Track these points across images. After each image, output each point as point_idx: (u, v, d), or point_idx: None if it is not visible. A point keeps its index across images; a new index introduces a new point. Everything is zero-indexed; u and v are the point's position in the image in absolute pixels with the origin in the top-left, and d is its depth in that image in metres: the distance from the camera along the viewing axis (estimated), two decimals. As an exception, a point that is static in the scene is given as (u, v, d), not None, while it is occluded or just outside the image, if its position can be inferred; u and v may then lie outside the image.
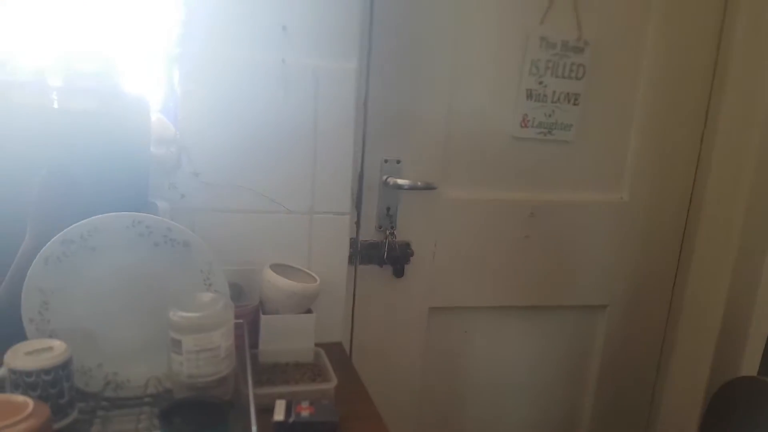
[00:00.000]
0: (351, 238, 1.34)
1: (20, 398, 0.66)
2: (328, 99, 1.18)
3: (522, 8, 1.37)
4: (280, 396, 0.89)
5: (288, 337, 1.10)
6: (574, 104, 1.45)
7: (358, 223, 1.37)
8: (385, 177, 1.35)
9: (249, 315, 1.08)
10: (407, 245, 1.41)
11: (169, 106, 1.16)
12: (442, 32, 1.33)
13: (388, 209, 1.38)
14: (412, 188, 1.34)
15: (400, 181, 1.33)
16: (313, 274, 1.18)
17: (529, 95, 1.42)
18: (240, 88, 1.14)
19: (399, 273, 1.42)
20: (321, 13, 1.15)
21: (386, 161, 1.35)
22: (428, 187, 1.35)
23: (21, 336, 0.83)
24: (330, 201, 1.23)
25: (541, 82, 1.42)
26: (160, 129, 1.12)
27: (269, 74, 1.14)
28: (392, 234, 1.39)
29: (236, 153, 1.17)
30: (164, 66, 1.14)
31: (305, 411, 0.85)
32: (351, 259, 1.36)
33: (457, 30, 1.34)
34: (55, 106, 1.01)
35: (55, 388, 0.75)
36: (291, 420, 0.83)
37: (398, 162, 1.36)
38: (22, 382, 0.73)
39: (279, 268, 1.14)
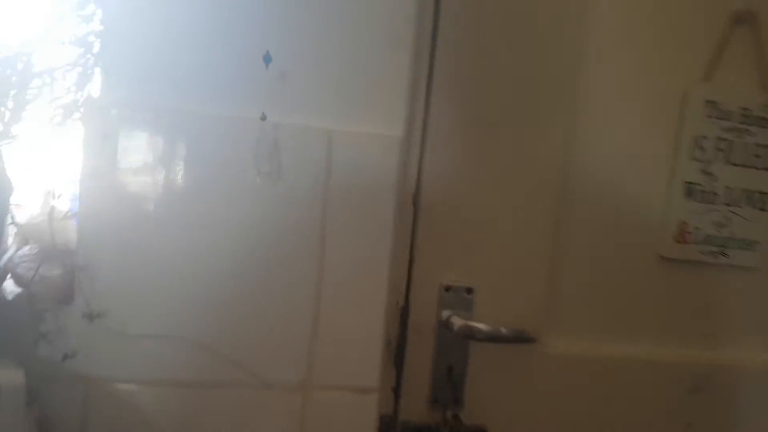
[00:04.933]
0: (383, 417, 0.78)
1: None
2: (348, 184, 0.68)
3: (676, 54, 0.86)
4: None
5: None
6: (762, 209, 0.89)
7: (396, 393, 0.81)
8: (446, 315, 0.80)
9: None
10: (482, 432, 0.83)
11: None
12: (550, 87, 0.82)
13: (450, 370, 0.82)
14: (493, 338, 0.78)
15: (473, 325, 0.77)
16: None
17: (690, 192, 0.87)
18: (187, 162, 0.67)
19: (467, 484, 0.82)
20: (337, 46, 0.69)
21: (448, 289, 0.81)
22: (521, 338, 0.78)
23: None
24: (343, 364, 0.70)
25: (707, 172, 0.87)
26: (34, 233, 0.63)
27: (241, 139, 0.66)
28: (456, 414, 0.81)
29: (174, 278, 0.66)
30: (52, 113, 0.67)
31: None
32: (381, 459, 0.79)
33: (575, 83, 0.82)
34: None
35: None
36: None
37: (469, 291, 0.81)
38: None
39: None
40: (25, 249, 0.69)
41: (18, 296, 0.65)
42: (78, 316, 0.65)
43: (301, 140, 0.67)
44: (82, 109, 0.68)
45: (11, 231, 0.70)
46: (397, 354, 0.81)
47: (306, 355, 0.70)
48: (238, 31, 0.66)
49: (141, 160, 0.66)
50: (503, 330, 0.78)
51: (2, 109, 0.68)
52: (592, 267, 0.86)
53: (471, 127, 0.80)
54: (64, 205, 0.73)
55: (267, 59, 0.63)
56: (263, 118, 0.64)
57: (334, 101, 0.69)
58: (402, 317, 0.81)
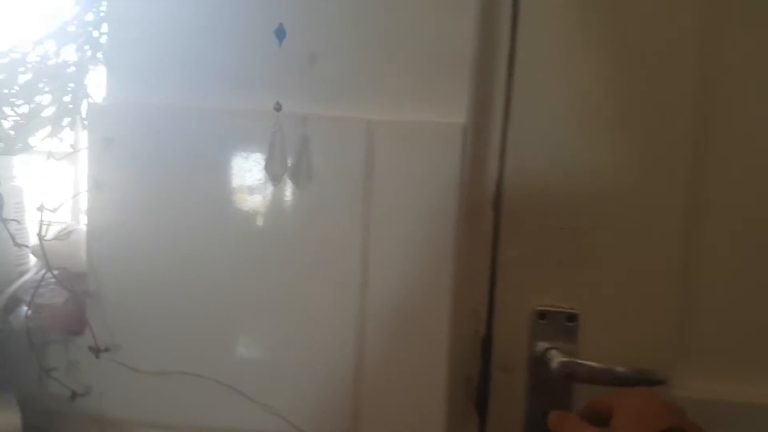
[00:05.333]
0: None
1: None
2: (395, 186, 0.54)
3: None
4: None
5: None
6: None
7: (479, 444, 0.65)
8: (541, 349, 0.63)
9: None
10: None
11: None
12: (675, 59, 0.61)
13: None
14: (605, 379, 0.60)
15: (578, 363, 0.59)
16: None
17: None
18: (201, 167, 0.56)
19: None
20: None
21: (544, 315, 0.63)
22: (646, 379, 0.59)
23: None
24: (398, 411, 0.56)
25: None
26: (39, 254, 0.53)
27: (262, 137, 0.53)
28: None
29: (193, 304, 0.55)
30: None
31: None
32: None
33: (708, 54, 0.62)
34: None
35: None
36: None
37: (571, 318, 0.63)
38: None
39: None
40: (32, 274, 0.60)
41: (23, 327, 0.56)
42: (85, 351, 0.55)
43: (334, 134, 0.53)
44: (84, 113, 0.57)
45: (21, 253, 0.61)
46: (479, 395, 0.65)
47: (350, 399, 0.56)
48: (250, 5, 0.53)
49: (150, 166, 0.54)
50: (620, 370, 0.59)
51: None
52: (737, 284, 0.65)
53: (570, 111, 0.61)
54: (69, 221, 0.63)
55: (279, 34, 0.49)
56: (277, 108, 0.50)
57: (374, 85, 0.54)
58: (484, 350, 0.64)
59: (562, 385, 0.64)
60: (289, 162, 0.53)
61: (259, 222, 0.55)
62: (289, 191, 0.54)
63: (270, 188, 0.54)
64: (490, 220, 0.61)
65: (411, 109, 0.54)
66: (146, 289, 0.57)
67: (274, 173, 0.52)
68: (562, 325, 0.63)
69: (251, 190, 0.54)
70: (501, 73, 0.58)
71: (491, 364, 0.64)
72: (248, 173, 0.54)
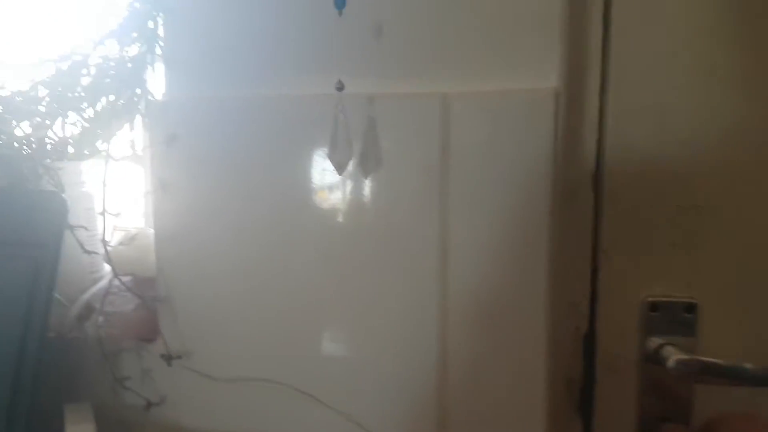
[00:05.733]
0: None
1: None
2: (477, 165, 0.48)
3: None
4: None
5: None
6: None
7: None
8: (654, 345, 0.55)
9: None
10: None
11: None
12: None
13: (665, 421, 0.56)
14: (732, 377, 0.51)
15: (699, 360, 0.51)
16: None
17: None
18: (267, 159, 0.52)
19: None
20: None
21: (656, 307, 0.55)
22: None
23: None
24: (488, 417, 0.50)
25: None
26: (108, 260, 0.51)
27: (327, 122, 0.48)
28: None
29: (265, 308, 0.52)
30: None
31: None
32: None
33: None
34: None
35: None
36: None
37: (689, 309, 0.54)
38: None
39: None
40: (102, 282, 0.58)
41: (97, 335, 0.55)
42: (158, 359, 0.53)
43: (405, 113, 0.48)
44: (144, 112, 0.55)
45: (94, 260, 0.60)
46: (582, 398, 0.58)
47: (435, 406, 0.50)
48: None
49: (214, 163, 0.51)
50: (749, 367, 0.51)
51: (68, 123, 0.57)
52: None
53: (682, 68, 0.51)
54: (140, 224, 0.62)
55: (339, 2, 0.44)
56: (339, 87, 0.45)
57: (448, 53, 0.48)
58: (587, 348, 0.57)
59: (681, 387, 0.56)
60: (356, 147, 0.48)
61: (329, 216, 0.50)
62: (357, 180, 0.49)
63: (337, 178, 0.49)
64: (590, 201, 0.53)
65: (491, 78, 0.47)
66: (217, 292, 0.54)
67: (338, 161, 0.47)
68: (678, 317, 0.55)
69: (318, 181, 0.50)
70: (595, 27, 0.50)
71: (595, 364, 0.57)
72: (314, 163, 0.50)
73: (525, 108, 0.46)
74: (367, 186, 0.49)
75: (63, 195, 0.52)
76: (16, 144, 0.58)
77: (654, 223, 0.53)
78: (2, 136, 0.58)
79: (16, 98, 0.58)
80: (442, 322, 0.50)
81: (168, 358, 0.53)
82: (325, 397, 0.54)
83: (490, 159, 0.47)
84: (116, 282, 0.54)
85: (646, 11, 0.51)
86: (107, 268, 0.63)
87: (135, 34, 0.54)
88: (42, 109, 0.58)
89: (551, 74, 0.47)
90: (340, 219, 0.50)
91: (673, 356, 0.52)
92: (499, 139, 0.46)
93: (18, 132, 0.59)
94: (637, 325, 0.55)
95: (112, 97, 0.56)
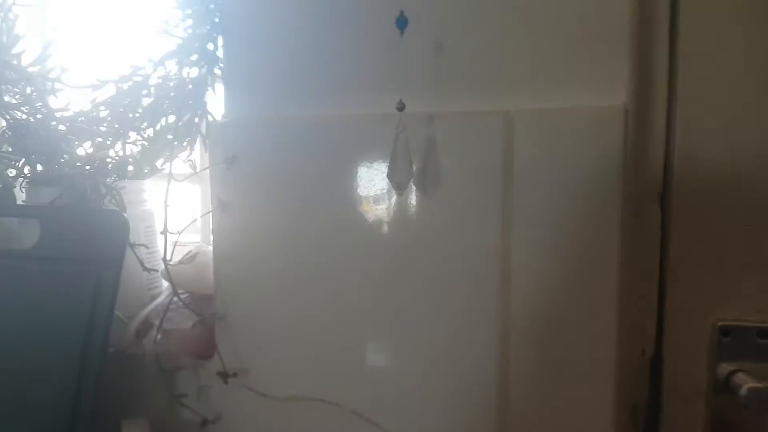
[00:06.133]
0: None
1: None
2: (541, 184, 0.47)
3: None
4: None
5: None
6: None
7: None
8: (725, 372, 0.52)
9: None
10: None
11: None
12: None
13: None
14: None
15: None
16: None
17: None
18: (327, 180, 0.52)
19: None
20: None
21: (728, 331, 0.52)
22: None
23: None
24: None
25: None
26: (167, 278, 0.51)
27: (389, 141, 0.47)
28: None
29: (323, 328, 0.52)
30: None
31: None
32: None
33: None
34: None
35: None
36: None
37: (763, 334, 0.51)
38: None
39: None
40: (163, 297, 0.59)
41: (154, 352, 0.55)
42: (215, 376, 0.53)
43: (466, 131, 0.47)
44: (204, 132, 0.56)
45: (152, 277, 0.61)
46: (648, 428, 0.55)
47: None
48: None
49: (274, 183, 0.52)
50: None
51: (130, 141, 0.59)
52: None
53: (753, 79, 0.49)
54: (199, 242, 0.62)
55: (401, 23, 0.44)
56: (400, 107, 0.45)
57: (511, 70, 0.47)
58: (653, 373, 0.54)
59: (753, 417, 0.53)
60: (415, 167, 0.47)
61: (388, 235, 0.49)
62: (417, 199, 0.48)
63: (396, 198, 0.49)
64: (656, 219, 0.51)
65: (556, 95, 0.46)
66: (274, 311, 0.54)
67: (398, 181, 0.46)
68: (751, 342, 0.52)
69: (377, 200, 0.49)
70: (662, 42, 0.48)
71: (662, 391, 0.54)
72: (373, 183, 0.50)
73: (593, 126, 0.44)
74: (426, 206, 0.48)
75: (124, 214, 0.53)
76: (78, 163, 0.59)
77: (724, 243, 0.51)
78: (65, 156, 0.60)
79: (79, 118, 0.60)
80: (503, 344, 0.48)
81: (224, 376, 0.53)
82: (380, 419, 0.53)
83: (555, 178, 0.45)
84: (175, 299, 0.55)
85: (713, 25, 0.49)
86: (165, 284, 0.64)
87: (195, 56, 0.55)
88: (103, 129, 0.60)
89: (620, 91, 0.45)
90: (398, 239, 0.49)
91: (746, 384, 0.49)
92: (565, 157, 0.45)
93: (80, 151, 0.61)
94: (706, 350, 0.52)
95: (172, 118, 0.57)
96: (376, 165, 0.49)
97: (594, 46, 0.45)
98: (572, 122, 0.45)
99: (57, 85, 0.60)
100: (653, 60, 0.49)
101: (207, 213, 0.55)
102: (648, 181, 0.51)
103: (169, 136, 0.54)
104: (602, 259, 0.46)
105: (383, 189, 0.49)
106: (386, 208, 0.49)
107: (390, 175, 0.46)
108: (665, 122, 0.50)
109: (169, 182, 0.51)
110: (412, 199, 0.48)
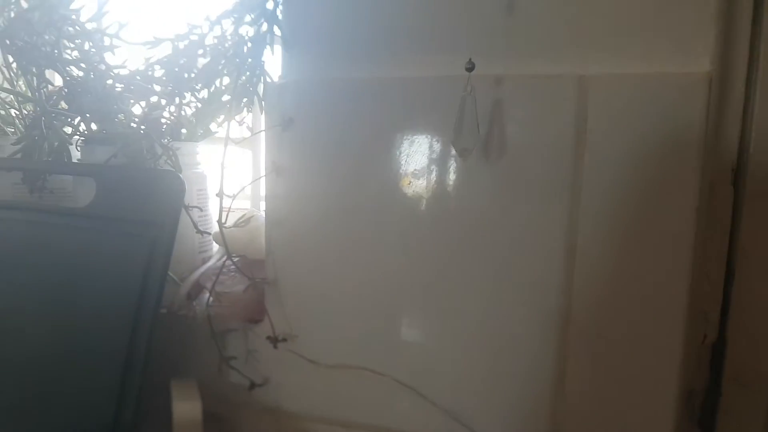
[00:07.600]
0: None
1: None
2: (614, 157, 0.44)
3: None
4: None
5: None
6: None
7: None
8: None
9: None
10: None
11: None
12: None
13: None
14: None
15: None
16: None
17: None
18: (388, 145, 0.50)
19: None
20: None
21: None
22: None
23: None
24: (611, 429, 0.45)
25: None
26: (219, 242, 0.51)
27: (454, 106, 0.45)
28: None
29: (375, 297, 0.51)
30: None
31: None
32: None
33: None
34: None
35: None
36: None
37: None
38: None
39: None
40: (214, 260, 0.59)
41: (205, 314, 0.55)
42: (264, 340, 0.53)
43: (536, 96, 0.45)
44: (261, 93, 0.55)
45: (204, 240, 0.61)
46: (704, 414, 0.53)
47: (549, 414, 0.48)
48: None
49: (330, 147, 0.51)
50: None
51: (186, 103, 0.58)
52: None
53: None
54: (250, 207, 0.62)
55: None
56: (469, 67, 0.43)
57: (586, 32, 0.44)
58: (714, 358, 0.52)
59: (819, 407, 0.51)
60: (480, 133, 0.45)
61: (446, 204, 0.48)
62: (480, 167, 0.47)
63: (459, 164, 0.47)
64: (728, 199, 0.49)
65: (634, 59, 0.43)
66: (325, 278, 0.53)
67: (463, 147, 0.45)
68: (823, 331, 0.50)
69: (438, 168, 0.48)
70: (746, 5, 0.45)
71: (723, 376, 0.52)
72: (435, 148, 0.48)
73: (675, 94, 0.41)
74: (489, 174, 0.47)
75: (180, 175, 0.52)
76: (133, 123, 0.59)
77: (802, 226, 0.48)
78: (120, 115, 0.60)
79: (136, 77, 0.59)
80: (562, 322, 0.47)
81: (274, 340, 0.53)
82: (428, 392, 0.52)
83: (630, 149, 0.43)
84: (227, 263, 0.54)
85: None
86: (215, 248, 0.64)
87: (252, 15, 0.54)
88: (158, 88, 0.60)
89: (703, 56, 0.42)
90: (457, 207, 0.48)
91: (815, 373, 0.47)
92: (642, 127, 0.42)
93: (135, 110, 0.61)
94: (774, 336, 0.50)
95: (227, 79, 0.56)
96: (438, 130, 0.48)
97: (676, 5, 0.42)
98: (651, 90, 0.42)
99: (115, 41, 0.59)
100: (735, 26, 0.46)
101: (260, 177, 0.55)
102: (721, 156, 0.48)
103: (226, 97, 0.53)
104: (675, 240, 0.43)
105: (444, 155, 0.48)
106: (446, 176, 0.48)
107: (454, 141, 0.45)
108: (743, 94, 0.48)
109: (225, 144, 0.50)
110: (475, 167, 0.47)
